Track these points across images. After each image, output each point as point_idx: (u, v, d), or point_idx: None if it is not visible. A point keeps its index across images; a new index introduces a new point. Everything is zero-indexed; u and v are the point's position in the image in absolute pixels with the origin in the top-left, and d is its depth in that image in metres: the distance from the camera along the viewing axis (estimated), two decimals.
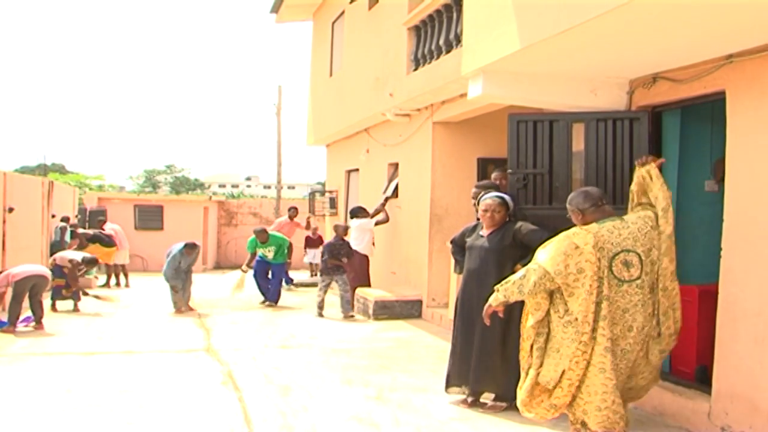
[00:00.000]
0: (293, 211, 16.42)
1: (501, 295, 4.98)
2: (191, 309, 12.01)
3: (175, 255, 12.07)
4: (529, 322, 4.94)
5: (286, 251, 13.19)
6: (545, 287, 4.75)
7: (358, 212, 12.42)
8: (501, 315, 5.27)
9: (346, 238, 11.91)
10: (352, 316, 11.29)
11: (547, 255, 4.77)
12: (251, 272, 13.17)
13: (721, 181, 5.89)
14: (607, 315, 4.66)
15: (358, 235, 12.21)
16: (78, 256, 12.28)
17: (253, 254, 13.09)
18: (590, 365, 4.71)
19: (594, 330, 4.69)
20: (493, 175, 7.77)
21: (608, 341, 4.65)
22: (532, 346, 4.96)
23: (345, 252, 11.72)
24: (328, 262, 11.61)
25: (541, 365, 4.92)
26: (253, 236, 13.08)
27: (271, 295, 13.00)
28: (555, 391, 4.84)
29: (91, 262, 12.67)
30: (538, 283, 4.74)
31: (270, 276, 13.16)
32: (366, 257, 12.29)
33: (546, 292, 4.79)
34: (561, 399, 4.84)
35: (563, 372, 4.77)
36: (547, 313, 4.88)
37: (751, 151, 5.08)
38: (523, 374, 5.12)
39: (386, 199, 12.51)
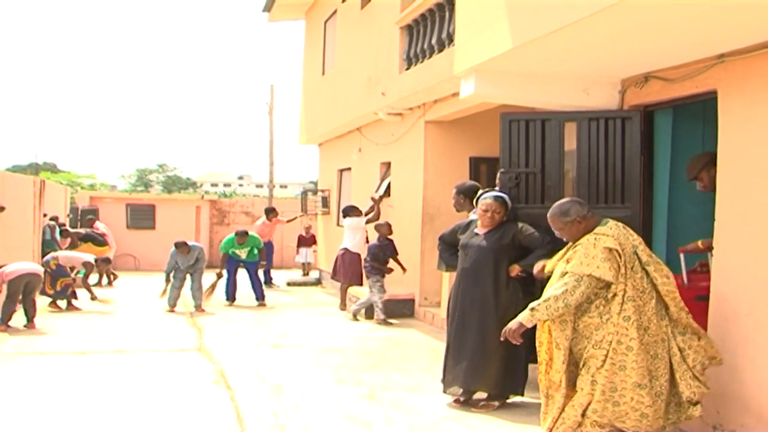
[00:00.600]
0: (273, 213, 16.28)
1: (543, 314, 4.80)
2: (201, 310, 11.92)
3: (171, 254, 12.08)
4: (560, 340, 4.87)
5: (256, 251, 13.18)
6: (588, 295, 4.74)
7: (350, 211, 12.42)
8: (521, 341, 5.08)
9: (390, 237, 11.16)
10: (391, 323, 10.68)
11: (589, 265, 4.69)
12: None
13: (694, 180, 5.88)
14: (631, 316, 4.65)
15: (351, 234, 12.20)
16: (88, 257, 12.28)
17: (225, 255, 13.00)
18: (610, 363, 4.69)
19: (615, 330, 4.68)
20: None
21: (631, 341, 4.64)
22: (562, 367, 4.91)
23: (390, 252, 11.11)
24: (373, 265, 10.86)
25: (564, 386, 4.90)
26: (231, 236, 13.02)
27: (259, 295, 13.00)
28: (584, 388, 4.80)
29: (104, 262, 12.70)
30: (585, 293, 4.69)
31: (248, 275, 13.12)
32: (358, 255, 12.26)
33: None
34: (588, 396, 4.79)
35: (589, 370, 4.77)
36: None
37: (743, 150, 5.09)
38: (544, 400, 5.03)
39: (380, 198, 12.51)
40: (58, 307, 11.68)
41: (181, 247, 11.99)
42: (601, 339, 4.73)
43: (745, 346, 4.98)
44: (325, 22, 15.71)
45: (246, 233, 13.11)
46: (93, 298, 12.09)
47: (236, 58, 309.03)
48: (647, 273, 4.78)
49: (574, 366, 4.92)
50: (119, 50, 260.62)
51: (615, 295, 4.70)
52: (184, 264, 12.02)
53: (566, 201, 5.10)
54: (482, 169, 10.85)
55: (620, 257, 4.68)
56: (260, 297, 12.97)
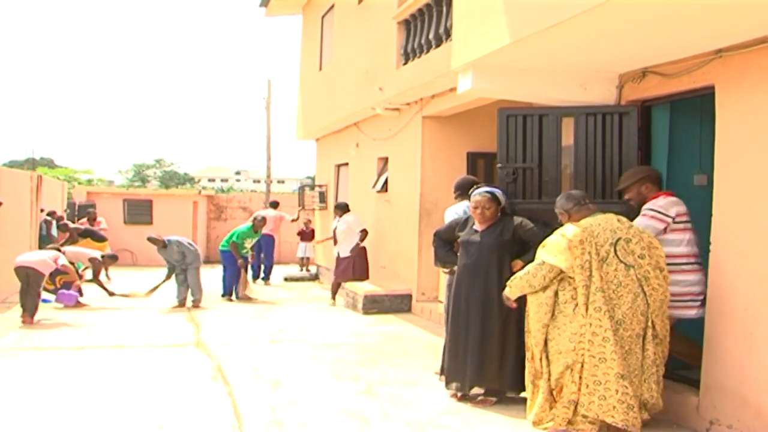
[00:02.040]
0: (276, 205, 16.31)
1: (515, 290, 5.22)
2: (198, 306, 11.86)
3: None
4: (534, 325, 4.95)
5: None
6: (551, 279, 4.85)
7: (345, 208, 12.55)
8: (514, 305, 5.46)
9: None
10: None
11: (551, 253, 4.84)
12: (220, 266, 13.27)
13: (622, 190, 5.96)
14: (602, 306, 4.65)
15: (348, 234, 12.24)
16: (94, 253, 12.25)
17: (235, 245, 12.91)
18: (589, 356, 4.69)
19: (589, 321, 4.68)
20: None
21: (606, 331, 4.64)
22: (541, 355, 4.95)
23: None
24: None
25: (549, 372, 4.93)
26: (248, 225, 13.02)
27: (238, 289, 13.01)
28: (569, 386, 4.79)
29: (111, 258, 12.69)
30: (547, 276, 4.90)
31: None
32: (365, 249, 12.32)
33: (552, 289, 4.82)
34: (575, 393, 4.78)
35: (568, 366, 4.76)
36: (552, 314, 4.92)
37: (740, 145, 5.09)
38: (530, 388, 5.10)
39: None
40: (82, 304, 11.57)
41: (153, 241, 11.91)
42: (575, 332, 4.75)
43: (743, 341, 4.98)
44: (323, 17, 15.68)
45: (265, 220, 13.23)
46: (111, 294, 12.02)
47: (233, 53, 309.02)
48: (632, 267, 4.78)
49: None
50: (116, 46, 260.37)
51: (576, 287, 4.73)
52: (171, 258, 11.93)
53: (563, 193, 5.38)
54: (480, 165, 10.85)
55: (579, 248, 4.70)
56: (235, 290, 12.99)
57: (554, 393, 4.96)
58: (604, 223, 4.83)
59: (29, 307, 9.94)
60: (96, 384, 6.63)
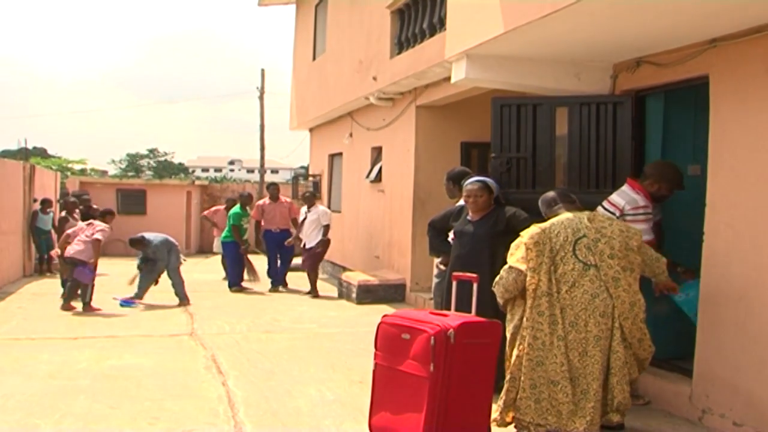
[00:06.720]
0: (274, 189, 14.21)
1: (498, 296, 4.99)
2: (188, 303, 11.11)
3: None
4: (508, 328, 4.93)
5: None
6: (523, 282, 4.78)
7: (314, 198, 12.65)
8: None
9: None
10: None
11: (512, 255, 4.88)
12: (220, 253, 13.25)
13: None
14: (545, 311, 4.66)
15: (317, 226, 12.18)
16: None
17: (236, 227, 12.72)
18: (527, 359, 4.69)
19: (530, 324, 4.69)
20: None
21: (545, 336, 4.65)
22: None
23: None
24: None
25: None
26: (238, 206, 12.95)
27: (238, 278, 12.88)
28: (510, 390, 4.78)
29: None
30: (517, 279, 4.79)
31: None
32: (329, 241, 12.38)
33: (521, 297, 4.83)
34: (513, 396, 4.77)
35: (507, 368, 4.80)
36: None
37: (734, 135, 5.10)
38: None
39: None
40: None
41: (135, 244, 11.33)
42: (514, 334, 4.79)
43: (736, 330, 5.00)
44: (316, 7, 15.63)
45: (251, 196, 13.31)
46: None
47: (227, 42, 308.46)
48: (592, 267, 4.73)
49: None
50: (112, 38, 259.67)
51: (528, 289, 4.74)
52: (156, 255, 11.16)
53: (542, 196, 5.38)
54: (473, 154, 10.84)
55: (534, 250, 4.71)
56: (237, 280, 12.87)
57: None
58: (567, 222, 4.78)
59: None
60: (89, 375, 6.62)
